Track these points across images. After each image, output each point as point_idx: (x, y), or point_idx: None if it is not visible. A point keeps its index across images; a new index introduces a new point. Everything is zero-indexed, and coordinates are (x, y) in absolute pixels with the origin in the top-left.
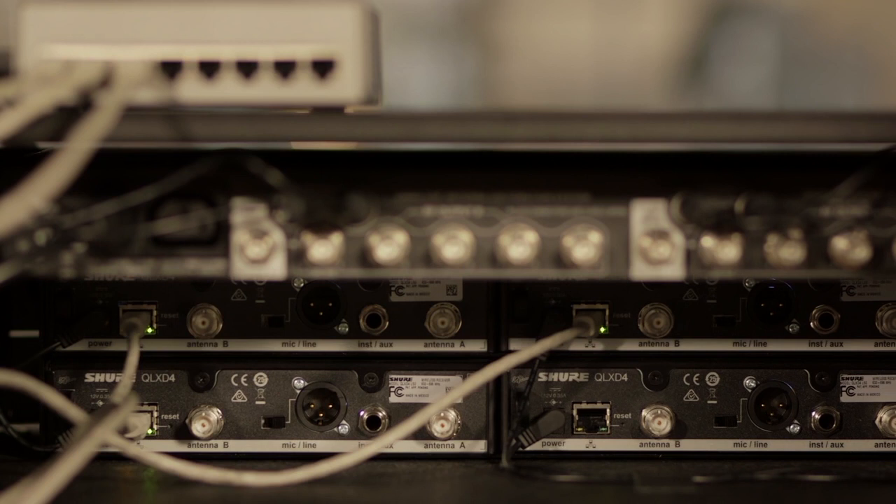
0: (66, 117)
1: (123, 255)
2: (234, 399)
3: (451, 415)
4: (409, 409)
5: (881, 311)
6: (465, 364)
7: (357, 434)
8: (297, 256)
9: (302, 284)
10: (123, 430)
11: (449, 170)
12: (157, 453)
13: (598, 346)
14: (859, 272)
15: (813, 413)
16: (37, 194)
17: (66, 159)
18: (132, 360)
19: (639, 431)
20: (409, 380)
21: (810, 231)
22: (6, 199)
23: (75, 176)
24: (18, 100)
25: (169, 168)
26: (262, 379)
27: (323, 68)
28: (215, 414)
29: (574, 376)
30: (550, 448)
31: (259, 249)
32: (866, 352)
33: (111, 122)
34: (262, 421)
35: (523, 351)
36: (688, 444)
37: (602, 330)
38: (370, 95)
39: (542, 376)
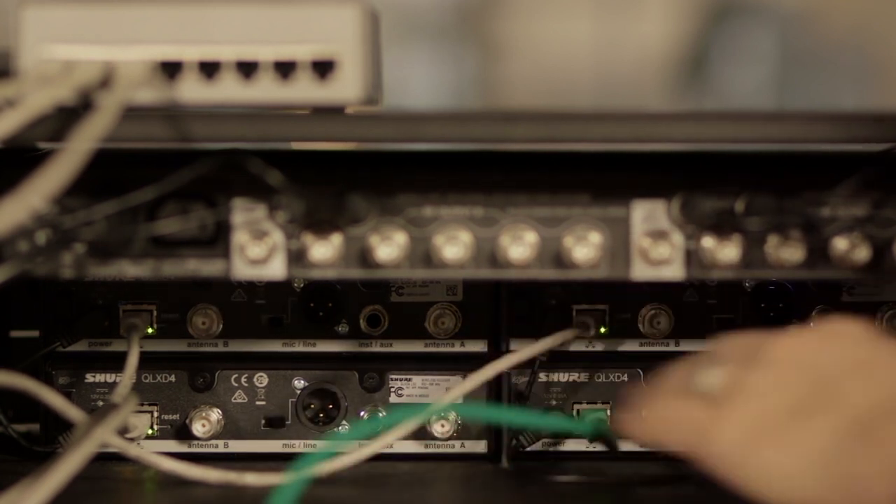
0: (66, 117)
1: (123, 255)
2: (235, 399)
3: (451, 415)
4: None
5: (881, 311)
6: (465, 364)
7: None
8: (297, 257)
9: (302, 285)
10: (123, 431)
11: (449, 170)
12: (157, 454)
13: (598, 346)
14: (859, 272)
15: None
16: (37, 194)
17: (66, 159)
18: (132, 361)
19: None
20: (409, 380)
21: (810, 231)
22: (6, 199)
23: (75, 176)
24: (18, 100)
25: (169, 168)
26: (262, 379)
27: (323, 68)
28: (215, 414)
29: (574, 376)
30: (550, 448)
31: (259, 250)
32: None
33: (111, 123)
34: (263, 421)
35: (523, 350)
36: None
37: (602, 330)
38: (370, 95)
39: (542, 376)
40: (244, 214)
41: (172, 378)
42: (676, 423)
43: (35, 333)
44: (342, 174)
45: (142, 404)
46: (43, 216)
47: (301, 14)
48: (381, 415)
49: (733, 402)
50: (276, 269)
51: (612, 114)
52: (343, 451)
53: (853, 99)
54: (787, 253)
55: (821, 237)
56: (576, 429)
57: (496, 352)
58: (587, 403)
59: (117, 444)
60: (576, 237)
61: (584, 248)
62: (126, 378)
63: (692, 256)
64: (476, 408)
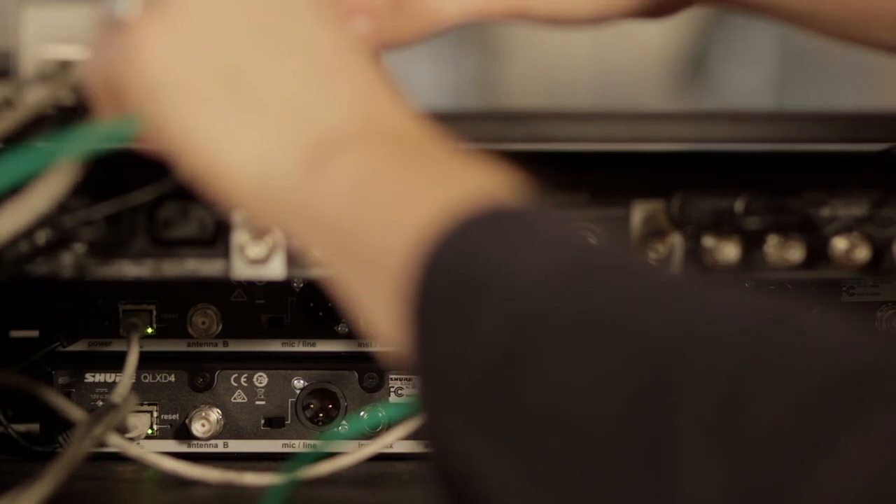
0: (66, 117)
1: (123, 255)
2: (234, 399)
3: None
4: None
5: (881, 311)
6: None
7: (357, 435)
8: (297, 256)
9: (302, 284)
10: (123, 431)
11: None
12: (157, 453)
13: None
14: (859, 272)
15: None
16: (43, 199)
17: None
18: (132, 360)
19: None
20: (410, 379)
21: (810, 231)
22: (9, 204)
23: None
24: (18, 100)
25: (169, 168)
26: (261, 379)
27: None
28: (215, 414)
29: None
30: None
31: (259, 249)
32: None
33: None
34: (262, 421)
35: None
36: None
37: None
38: None
39: None
40: (244, 214)
41: (172, 378)
42: (97, 60)
43: (35, 333)
44: None
45: (141, 404)
46: (43, 216)
47: None
48: (380, 414)
49: (156, 15)
50: (276, 269)
51: (612, 114)
52: (335, 450)
53: (853, 99)
54: (787, 253)
55: (820, 237)
56: None
57: None
58: None
59: (117, 444)
60: None
61: None
62: (126, 378)
63: (692, 256)
64: None
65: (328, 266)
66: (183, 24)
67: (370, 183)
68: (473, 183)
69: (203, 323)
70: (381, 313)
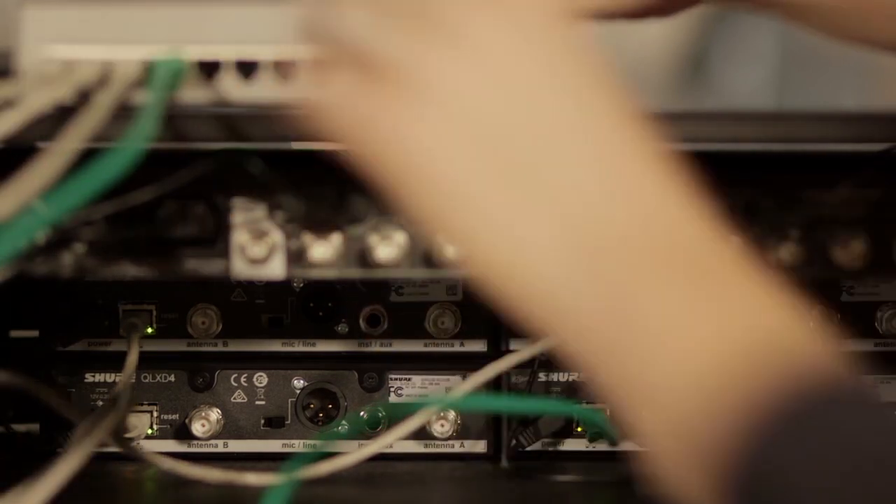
0: (66, 117)
1: (123, 255)
2: (234, 399)
3: (451, 415)
4: None
5: (881, 311)
6: (465, 364)
7: (357, 434)
8: (297, 256)
9: (302, 284)
10: (123, 430)
11: None
12: (157, 453)
13: None
14: (859, 272)
15: None
16: (27, 191)
17: (54, 157)
18: (132, 360)
19: None
20: (409, 380)
21: (810, 231)
22: (7, 184)
23: (68, 174)
24: (18, 100)
25: (169, 168)
26: (261, 379)
27: None
28: (215, 414)
29: (574, 376)
30: (550, 448)
31: (259, 249)
32: (866, 352)
33: (102, 121)
34: (262, 421)
35: (523, 350)
36: None
37: None
38: None
39: (541, 376)
40: (244, 214)
41: (172, 378)
42: (331, 103)
43: (35, 333)
44: (342, 174)
45: (141, 404)
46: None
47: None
48: (380, 414)
49: (427, 108)
50: (276, 269)
51: None
52: (335, 450)
53: (853, 99)
54: (787, 253)
55: (821, 237)
56: (574, 412)
57: (496, 352)
58: (587, 403)
59: (117, 444)
60: None
61: None
62: (126, 378)
63: None
64: (472, 399)
65: (592, 371)
66: (458, 118)
67: (635, 294)
68: (771, 322)
69: (203, 323)
70: (667, 452)
